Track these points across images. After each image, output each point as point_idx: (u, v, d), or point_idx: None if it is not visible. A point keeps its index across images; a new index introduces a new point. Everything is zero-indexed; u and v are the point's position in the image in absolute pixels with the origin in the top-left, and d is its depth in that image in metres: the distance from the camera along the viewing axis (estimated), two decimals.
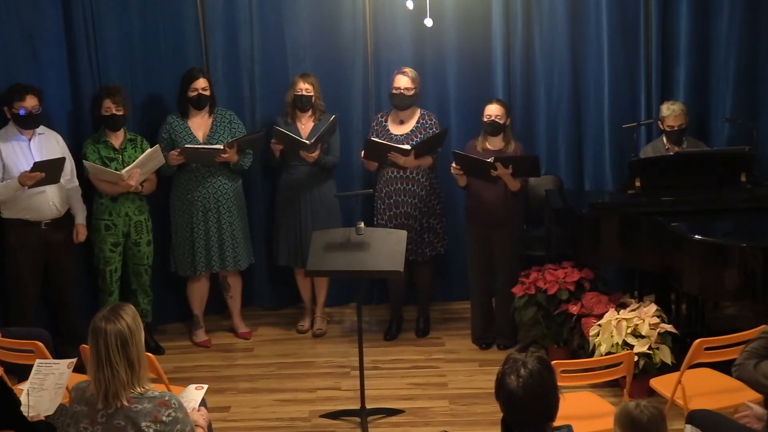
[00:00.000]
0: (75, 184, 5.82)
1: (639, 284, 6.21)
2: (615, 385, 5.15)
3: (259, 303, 6.85)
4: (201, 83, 6.05)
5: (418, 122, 6.17)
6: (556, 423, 3.06)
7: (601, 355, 5.11)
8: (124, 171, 5.80)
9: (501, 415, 3.09)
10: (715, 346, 4.59)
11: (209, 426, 3.86)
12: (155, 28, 6.29)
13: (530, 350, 3.47)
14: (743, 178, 5.78)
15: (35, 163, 5.52)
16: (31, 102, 5.54)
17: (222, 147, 5.98)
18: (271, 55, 6.49)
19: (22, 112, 5.53)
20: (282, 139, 6.08)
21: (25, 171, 5.50)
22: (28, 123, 5.60)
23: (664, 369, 5.13)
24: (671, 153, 6.05)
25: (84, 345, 4.31)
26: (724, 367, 4.82)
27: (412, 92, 6.09)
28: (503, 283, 6.07)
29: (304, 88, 6.15)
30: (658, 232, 5.45)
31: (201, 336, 6.42)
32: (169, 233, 6.29)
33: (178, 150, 5.99)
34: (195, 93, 6.06)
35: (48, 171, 5.53)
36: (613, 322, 5.30)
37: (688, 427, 4.12)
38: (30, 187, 5.51)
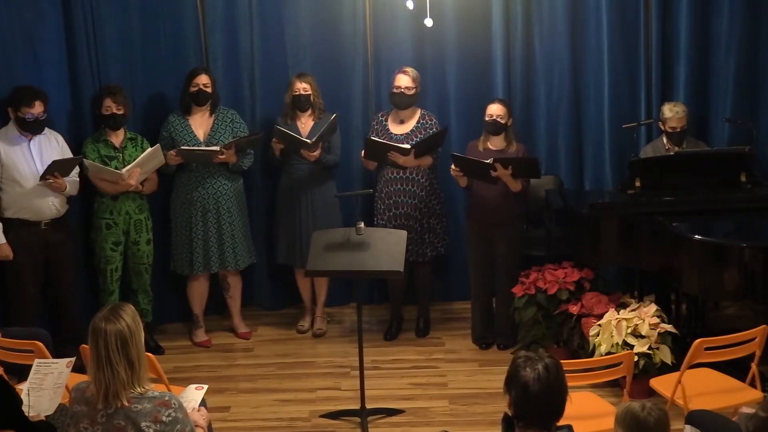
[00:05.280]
0: (75, 178, 5.82)
1: (639, 284, 6.21)
2: (615, 385, 5.15)
3: (259, 303, 6.85)
4: (202, 79, 6.06)
5: (418, 122, 6.17)
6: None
7: (601, 355, 5.12)
8: (124, 170, 5.81)
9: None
10: (715, 346, 4.59)
11: (209, 426, 3.86)
12: (155, 28, 6.29)
13: (540, 351, 3.50)
14: (743, 178, 5.78)
15: (53, 162, 5.54)
16: (38, 108, 5.56)
17: (218, 149, 5.98)
18: (271, 55, 6.49)
19: (29, 117, 5.54)
20: (283, 138, 6.08)
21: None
22: (34, 128, 5.62)
23: (664, 369, 5.13)
24: (671, 153, 6.05)
25: (84, 345, 4.32)
26: (724, 367, 4.83)
27: (412, 92, 6.09)
28: (503, 283, 6.07)
29: (302, 87, 6.15)
30: (658, 232, 5.45)
31: (201, 336, 6.43)
32: (170, 232, 6.29)
33: (175, 151, 5.99)
34: (196, 88, 6.06)
35: (62, 169, 5.59)
36: (613, 322, 5.30)
37: (688, 427, 4.12)
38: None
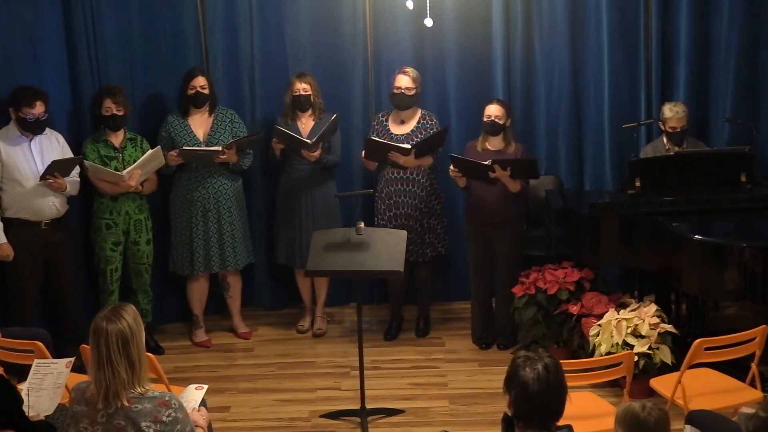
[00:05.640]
0: (76, 179, 5.82)
1: (639, 284, 6.21)
2: (615, 385, 5.15)
3: (259, 303, 6.85)
4: (199, 81, 6.06)
5: (418, 122, 6.17)
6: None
7: (601, 355, 5.12)
8: (124, 171, 5.81)
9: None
10: (715, 346, 4.59)
11: (209, 426, 3.86)
12: (155, 28, 6.29)
13: (540, 351, 3.52)
14: (743, 178, 5.78)
15: (53, 162, 5.55)
16: (39, 109, 5.56)
17: (220, 149, 5.98)
18: (271, 56, 6.49)
19: (30, 117, 5.54)
20: (283, 138, 6.08)
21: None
22: (35, 128, 5.62)
23: (664, 369, 5.13)
24: (671, 153, 6.05)
25: (84, 345, 4.32)
26: (724, 367, 4.83)
27: (413, 92, 6.09)
28: (503, 283, 6.07)
29: (302, 87, 6.15)
30: (658, 232, 5.45)
31: (201, 336, 6.43)
32: (170, 232, 6.29)
33: (177, 151, 5.99)
34: (193, 91, 6.06)
35: (62, 170, 5.60)
36: (613, 322, 5.30)
37: (688, 427, 4.12)
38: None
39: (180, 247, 6.24)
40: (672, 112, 6.02)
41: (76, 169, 5.80)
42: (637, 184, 5.78)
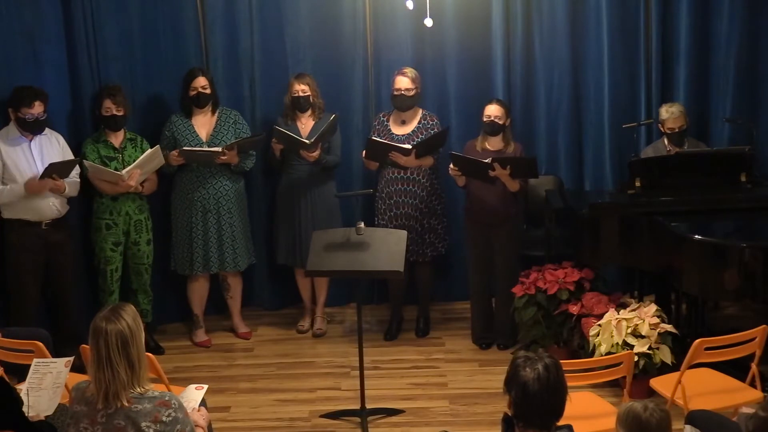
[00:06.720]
0: (75, 179, 5.82)
1: (639, 284, 6.21)
2: (615, 385, 5.14)
3: (259, 303, 6.85)
4: (200, 81, 6.06)
5: (419, 123, 6.17)
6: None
7: (601, 355, 5.12)
8: (124, 171, 5.81)
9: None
10: (715, 346, 4.59)
11: (209, 426, 3.86)
12: (155, 28, 6.29)
13: (540, 351, 3.53)
14: (743, 178, 5.78)
15: (50, 164, 5.54)
16: (38, 109, 5.55)
17: (221, 150, 5.98)
18: (271, 56, 6.49)
19: (29, 117, 5.54)
20: (282, 138, 6.08)
21: (32, 179, 5.52)
22: (34, 128, 5.61)
23: (664, 369, 5.13)
24: (671, 153, 6.05)
25: (84, 345, 4.32)
26: (724, 367, 4.83)
27: (412, 93, 6.09)
28: (503, 283, 6.07)
29: (300, 89, 6.15)
30: (658, 232, 5.45)
31: (201, 336, 6.43)
32: (170, 232, 6.29)
33: (178, 151, 5.99)
34: (195, 92, 6.07)
35: (60, 172, 5.59)
36: (613, 322, 5.31)
37: (688, 427, 4.12)
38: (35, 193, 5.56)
39: (180, 246, 6.24)
40: (668, 113, 6.02)
41: (76, 170, 5.79)
42: (637, 184, 5.78)
